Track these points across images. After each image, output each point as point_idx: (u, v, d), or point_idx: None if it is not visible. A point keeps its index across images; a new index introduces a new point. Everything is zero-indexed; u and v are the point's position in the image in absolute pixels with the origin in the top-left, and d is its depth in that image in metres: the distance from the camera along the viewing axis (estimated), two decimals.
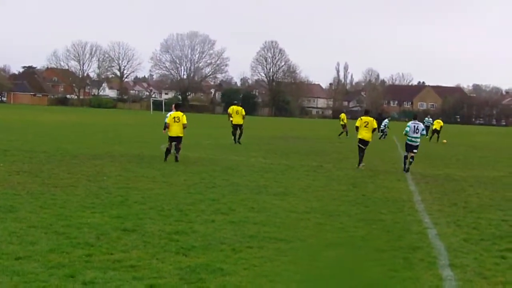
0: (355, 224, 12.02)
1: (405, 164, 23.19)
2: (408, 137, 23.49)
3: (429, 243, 10.52)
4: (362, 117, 24.29)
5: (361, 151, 23.72)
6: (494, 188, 18.77)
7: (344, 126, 48.21)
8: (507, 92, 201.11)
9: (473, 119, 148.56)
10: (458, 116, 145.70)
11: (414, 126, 23.49)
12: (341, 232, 11.18)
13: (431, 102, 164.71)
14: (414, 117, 24.45)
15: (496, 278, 8.38)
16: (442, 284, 8.02)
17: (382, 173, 22.01)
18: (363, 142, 23.76)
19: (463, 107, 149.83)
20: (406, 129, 23.68)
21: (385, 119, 53.65)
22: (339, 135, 47.18)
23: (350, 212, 13.33)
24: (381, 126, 48.93)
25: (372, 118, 24.25)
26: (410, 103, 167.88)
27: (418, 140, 23.57)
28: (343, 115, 49.60)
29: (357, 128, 23.99)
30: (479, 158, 32.06)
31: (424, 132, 23.91)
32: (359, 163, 23.62)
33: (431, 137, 45.75)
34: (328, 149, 33.90)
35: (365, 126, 23.72)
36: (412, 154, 23.25)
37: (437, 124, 47.46)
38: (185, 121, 23.09)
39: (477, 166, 26.73)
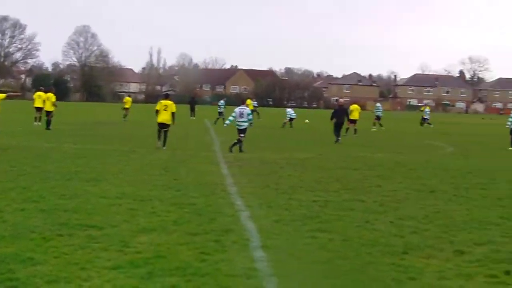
0: (167, 208, 12.12)
1: (233, 145, 24.77)
2: (236, 122, 25.23)
3: (241, 225, 10.81)
4: (162, 101, 26.01)
5: (160, 133, 25.31)
6: (304, 169, 19.56)
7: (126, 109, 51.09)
8: (318, 75, 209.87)
9: (285, 102, 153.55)
10: (271, 99, 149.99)
11: (240, 111, 25.30)
12: (153, 217, 11.23)
13: (243, 85, 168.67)
14: (242, 102, 26.50)
15: (307, 258, 8.76)
16: (254, 266, 8.27)
17: (194, 157, 22.28)
18: (163, 125, 25.36)
19: (275, 90, 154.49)
20: (232, 114, 25.57)
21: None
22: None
23: (162, 197, 13.41)
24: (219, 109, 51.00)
25: (171, 102, 25.83)
26: (223, 86, 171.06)
27: (245, 124, 25.22)
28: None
29: (157, 111, 25.56)
30: (290, 141, 33.25)
31: (251, 116, 25.29)
32: (159, 143, 25.17)
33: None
34: (141, 133, 33.79)
35: (164, 110, 25.35)
36: (240, 138, 24.79)
37: None
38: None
39: (289, 149, 27.70)
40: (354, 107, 40.81)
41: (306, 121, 47.05)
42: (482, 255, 9.20)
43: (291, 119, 47.81)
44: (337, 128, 33.17)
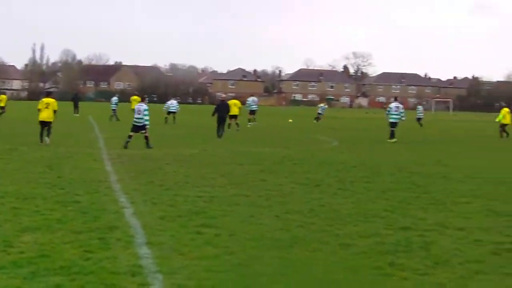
0: (51, 206, 11.89)
1: (126, 142, 25.18)
2: (133, 119, 26.02)
3: (126, 222, 10.72)
4: (43, 99, 26.36)
5: (43, 131, 25.40)
6: (189, 165, 19.56)
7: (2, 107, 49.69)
8: (203, 71, 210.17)
9: (170, 98, 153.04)
10: (155, 95, 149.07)
11: (137, 108, 26.16)
12: (36, 216, 10.99)
13: (128, 81, 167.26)
14: (142, 99, 27.50)
15: (193, 254, 8.75)
16: (139, 263, 8.21)
17: (78, 154, 21.91)
18: (45, 123, 25.49)
19: (160, 86, 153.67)
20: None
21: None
22: None
23: (46, 195, 13.16)
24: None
25: (53, 100, 26.20)
26: (107, 83, 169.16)
27: (142, 120, 25.55)
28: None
29: (39, 110, 25.69)
30: (175, 136, 33.15)
31: (146, 112, 25.76)
32: (43, 141, 25.17)
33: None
34: (22, 131, 32.86)
35: (46, 108, 25.55)
36: (130, 135, 25.39)
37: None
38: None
39: (173, 144, 27.61)
40: (233, 102, 41.03)
41: (290, 120, 47.12)
42: (367, 247, 9.43)
43: (170, 112, 47.72)
44: (220, 123, 33.49)
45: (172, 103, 48.25)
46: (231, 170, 18.74)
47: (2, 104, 49.53)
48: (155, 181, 15.89)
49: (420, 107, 58.98)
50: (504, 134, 40.33)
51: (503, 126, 40.95)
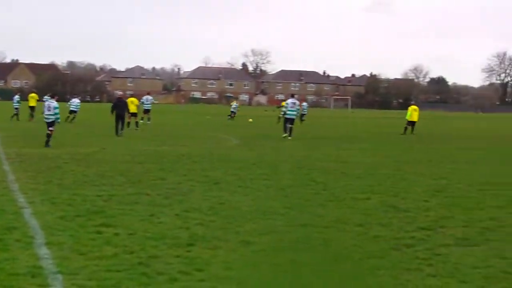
0: None
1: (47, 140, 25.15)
2: (44, 115, 26.01)
3: (24, 223, 10.52)
4: None
5: None
6: (88, 164, 19.30)
7: None
8: (101, 69, 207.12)
9: (68, 96, 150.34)
10: (50, 94, 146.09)
11: (47, 105, 25.98)
12: None
13: (25, 79, 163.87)
14: (52, 96, 27.79)
15: (93, 253, 8.67)
16: (39, 263, 8.08)
17: None
18: None
19: (57, 84, 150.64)
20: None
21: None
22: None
23: None
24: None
25: None
26: (3, 81, 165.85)
27: (52, 117, 25.58)
28: None
29: None
30: (73, 135, 32.65)
31: (57, 110, 25.83)
32: None
33: None
34: None
35: None
36: (48, 132, 25.31)
37: None
38: None
39: (72, 143, 27.17)
40: (130, 100, 40.71)
41: (250, 120, 46.68)
42: (267, 244, 9.54)
43: (72, 111, 46.91)
44: (118, 121, 33.25)
45: (73, 102, 47.79)
46: (130, 168, 18.61)
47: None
48: (53, 180, 15.64)
49: (304, 104, 59.84)
50: (409, 131, 41.73)
51: (410, 124, 42.28)
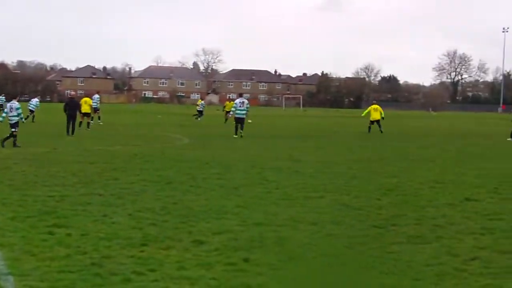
0: None
1: (5, 139, 25.23)
2: (8, 117, 26.04)
3: None
4: None
5: None
6: (39, 165, 19.10)
7: None
8: (52, 68, 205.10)
9: (18, 96, 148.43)
10: (3, 94, 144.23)
11: (10, 106, 26.18)
12: None
13: None
14: (13, 97, 28.15)
15: (45, 254, 8.59)
16: None
17: None
18: None
19: (7, 84, 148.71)
20: (5, 110, 26.91)
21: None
22: None
23: None
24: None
25: None
26: None
27: (15, 118, 25.74)
28: None
29: None
30: (24, 135, 32.19)
31: (20, 111, 26.26)
32: None
33: None
34: None
35: None
36: (12, 133, 25.43)
37: None
38: None
39: (23, 143, 26.77)
40: (84, 100, 40.34)
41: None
42: (220, 243, 9.54)
43: (31, 111, 46.90)
44: (69, 121, 32.97)
45: (33, 101, 47.81)
46: (82, 168, 18.43)
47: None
48: (4, 181, 15.45)
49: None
50: (372, 129, 42.44)
51: (372, 122, 43.02)
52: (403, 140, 36.21)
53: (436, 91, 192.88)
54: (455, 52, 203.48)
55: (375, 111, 43.22)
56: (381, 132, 41.57)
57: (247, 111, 35.87)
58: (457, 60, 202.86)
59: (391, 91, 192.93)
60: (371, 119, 43.25)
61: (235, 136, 34.70)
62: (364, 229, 10.80)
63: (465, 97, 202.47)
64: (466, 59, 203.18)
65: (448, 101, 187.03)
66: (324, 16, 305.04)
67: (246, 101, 36.37)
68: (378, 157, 24.45)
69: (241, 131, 34.86)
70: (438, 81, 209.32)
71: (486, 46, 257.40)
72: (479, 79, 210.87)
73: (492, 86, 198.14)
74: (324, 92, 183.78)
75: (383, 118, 42.98)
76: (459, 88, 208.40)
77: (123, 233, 10.09)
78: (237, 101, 36.02)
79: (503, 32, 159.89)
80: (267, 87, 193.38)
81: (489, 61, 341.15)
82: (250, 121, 49.01)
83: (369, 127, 42.85)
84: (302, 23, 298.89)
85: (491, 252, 9.34)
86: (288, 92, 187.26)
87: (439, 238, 10.22)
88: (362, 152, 26.85)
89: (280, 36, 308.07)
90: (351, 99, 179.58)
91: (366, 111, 44.35)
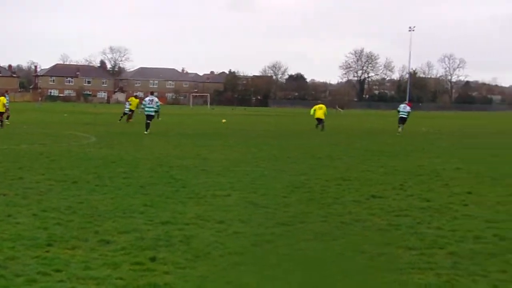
0: None
1: None
2: None
3: None
4: None
5: None
6: None
7: None
8: None
9: None
10: None
11: None
12: None
13: None
14: None
15: None
16: None
17: None
18: None
19: None
20: None
21: None
22: None
23: None
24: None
25: None
26: None
27: None
28: None
29: None
30: None
31: None
32: None
33: None
34: None
35: None
36: None
37: None
38: None
39: None
40: None
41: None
42: (127, 243, 9.45)
43: None
44: None
45: None
46: None
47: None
48: None
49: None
50: (320, 127, 44.20)
51: (318, 121, 44.84)
52: (310, 138, 36.61)
53: (343, 89, 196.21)
54: (362, 51, 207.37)
55: (320, 110, 45.01)
56: (322, 130, 43.08)
57: (158, 109, 36.23)
58: (364, 59, 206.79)
59: (299, 89, 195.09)
60: (316, 117, 45.06)
61: (145, 132, 35.01)
62: (271, 227, 10.86)
63: (372, 95, 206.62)
64: (373, 57, 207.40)
65: (355, 99, 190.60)
66: (232, 14, 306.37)
67: (155, 99, 37.20)
68: (285, 155, 24.64)
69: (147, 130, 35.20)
70: (345, 79, 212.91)
71: (392, 45, 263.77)
72: (385, 77, 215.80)
73: (398, 84, 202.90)
74: (232, 90, 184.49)
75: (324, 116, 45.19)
76: (366, 86, 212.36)
77: (27, 233, 9.88)
78: (147, 99, 36.67)
79: (409, 31, 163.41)
80: (175, 85, 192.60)
81: (396, 60, 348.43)
82: (224, 120, 49.47)
83: (316, 125, 44.90)
84: (210, 21, 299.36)
85: (397, 248, 9.51)
86: (196, 90, 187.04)
87: (346, 235, 10.36)
88: (270, 150, 27.00)
89: (188, 34, 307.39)
90: (259, 97, 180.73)
91: (312, 109, 46.25)
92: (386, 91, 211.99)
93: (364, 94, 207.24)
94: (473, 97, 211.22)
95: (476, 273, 8.25)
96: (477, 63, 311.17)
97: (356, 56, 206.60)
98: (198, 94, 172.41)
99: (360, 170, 19.78)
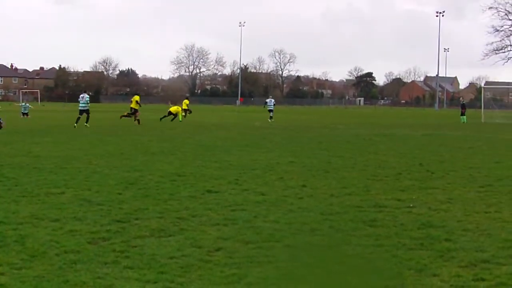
0: None
1: None
2: None
3: None
4: None
5: None
6: None
7: None
8: None
9: None
10: None
11: None
12: None
13: None
14: None
15: None
16: None
17: None
18: None
19: None
20: None
21: None
22: None
23: None
24: None
25: None
26: None
27: None
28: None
29: None
30: None
31: None
32: None
33: None
34: None
35: None
36: None
37: None
38: None
39: None
40: None
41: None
42: None
43: None
44: None
45: None
46: None
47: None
48: None
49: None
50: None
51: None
52: (143, 134, 36.32)
53: (175, 84, 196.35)
54: (193, 46, 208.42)
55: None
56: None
57: None
58: (195, 54, 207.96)
59: (130, 85, 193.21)
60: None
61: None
62: (106, 224, 10.73)
63: (204, 90, 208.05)
64: (204, 52, 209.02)
65: (187, 94, 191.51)
66: (60, 9, 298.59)
67: None
68: (119, 151, 24.35)
69: None
70: (177, 75, 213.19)
71: (224, 40, 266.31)
72: (217, 72, 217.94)
73: (230, 79, 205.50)
74: (62, 87, 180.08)
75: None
76: (198, 81, 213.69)
77: None
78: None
79: (239, 26, 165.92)
80: (3, 81, 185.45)
81: (227, 55, 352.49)
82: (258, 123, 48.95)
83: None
84: (37, 15, 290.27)
85: (234, 242, 9.60)
86: (26, 86, 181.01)
87: (182, 231, 10.37)
88: (103, 146, 26.60)
89: (15, 29, 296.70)
90: (90, 93, 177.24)
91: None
92: (218, 86, 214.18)
93: (196, 89, 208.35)
94: (304, 92, 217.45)
95: (314, 265, 8.51)
96: (308, 58, 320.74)
97: (187, 52, 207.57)
98: (28, 90, 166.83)
99: (194, 165, 19.81)
